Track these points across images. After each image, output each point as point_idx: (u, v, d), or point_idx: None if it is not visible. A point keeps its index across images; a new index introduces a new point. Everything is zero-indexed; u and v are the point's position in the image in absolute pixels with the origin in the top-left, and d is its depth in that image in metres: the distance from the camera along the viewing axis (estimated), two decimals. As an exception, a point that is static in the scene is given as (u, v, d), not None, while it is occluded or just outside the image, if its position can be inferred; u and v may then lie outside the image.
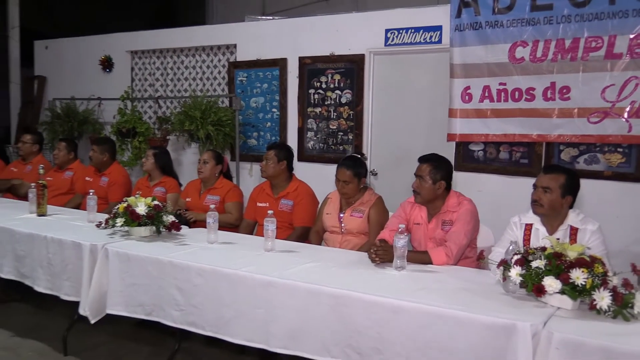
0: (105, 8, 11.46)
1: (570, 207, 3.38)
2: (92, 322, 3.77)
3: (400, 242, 3.25)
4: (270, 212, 3.89)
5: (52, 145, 7.06)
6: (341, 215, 4.28)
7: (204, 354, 4.15)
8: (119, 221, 4.02)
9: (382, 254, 3.35)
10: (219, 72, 6.94)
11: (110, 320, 3.84)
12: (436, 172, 3.68)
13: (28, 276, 4.22)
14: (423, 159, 3.78)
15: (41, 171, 5.09)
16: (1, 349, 4.26)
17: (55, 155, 6.24)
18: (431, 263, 3.44)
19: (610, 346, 2.24)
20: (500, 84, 4.87)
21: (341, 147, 5.97)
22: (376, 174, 5.81)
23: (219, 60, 6.94)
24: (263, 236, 3.79)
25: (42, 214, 4.79)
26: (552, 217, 3.39)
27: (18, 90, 8.90)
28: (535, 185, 3.41)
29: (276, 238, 3.81)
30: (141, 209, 3.99)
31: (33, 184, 4.94)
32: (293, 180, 4.78)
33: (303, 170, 5.44)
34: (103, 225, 4.18)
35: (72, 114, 7.58)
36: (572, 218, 3.36)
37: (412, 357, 2.68)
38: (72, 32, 8.37)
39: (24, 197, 5.46)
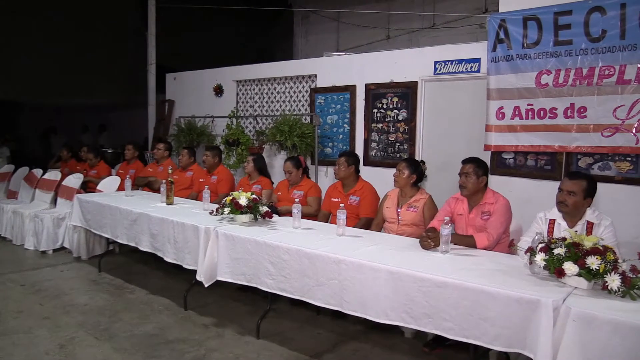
0: (217, 48, 11.79)
1: (588, 206, 3.26)
2: (206, 285, 3.90)
3: (445, 231, 3.21)
4: (341, 205, 3.92)
5: (178, 151, 7.27)
6: (399, 209, 4.24)
7: (289, 313, 4.21)
8: (226, 210, 4.13)
9: (431, 241, 3.33)
10: (303, 96, 6.99)
11: (218, 285, 3.96)
12: (479, 169, 3.68)
13: (160, 249, 4.40)
14: (467, 160, 3.77)
15: (170, 171, 5.30)
16: (140, 303, 4.46)
17: (180, 160, 6.46)
18: (475, 245, 3.42)
19: (619, 320, 2.19)
20: (528, 104, 4.72)
21: (398, 155, 5.90)
22: (426, 176, 5.73)
23: (303, 87, 6.99)
24: (336, 224, 3.82)
25: (170, 203, 4.96)
26: (573, 214, 3.25)
27: (154, 110, 9.21)
28: (560, 189, 3.28)
29: (346, 226, 3.82)
30: (243, 201, 4.08)
31: (164, 181, 5.12)
32: (359, 181, 4.78)
33: (367, 173, 5.41)
34: (214, 213, 4.30)
35: (192, 128, 7.83)
36: (589, 214, 3.23)
37: (455, 322, 2.65)
38: (193, 66, 8.60)
39: (157, 191, 5.70)
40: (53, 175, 6.89)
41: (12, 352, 3.46)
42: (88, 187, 6.79)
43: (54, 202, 6.66)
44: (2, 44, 10.49)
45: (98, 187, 6.31)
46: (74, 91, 12.00)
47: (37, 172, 7.18)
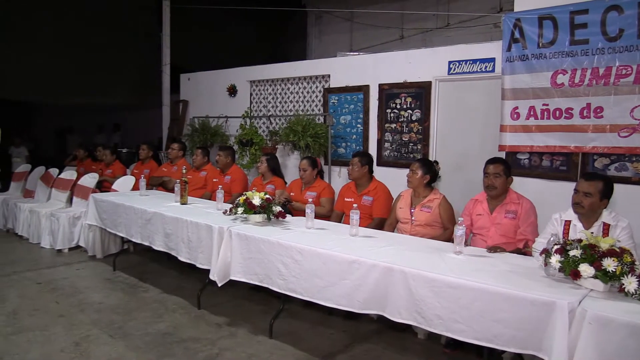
0: (231, 48, 11.85)
1: (605, 207, 3.22)
2: (219, 285, 3.90)
3: (459, 232, 3.20)
4: (354, 205, 3.92)
5: (192, 151, 7.32)
6: (412, 210, 4.23)
7: (301, 314, 4.21)
8: (240, 210, 4.14)
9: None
10: (316, 96, 7.00)
11: (231, 285, 3.97)
12: (507, 170, 3.80)
13: (173, 249, 4.42)
14: (494, 161, 3.85)
15: (184, 171, 5.33)
16: (154, 302, 4.49)
17: (193, 159, 6.51)
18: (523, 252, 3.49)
19: (636, 323, 2.16)
20: (544, 104, 4.67)
21: (412, 155, 5.88)
22: (440, 177, 5.70)
23: (316, 87, 6.99)
24: (349, 224, 3.81)
25: (184, 203, 4.99)
26: (588, 215, 3.22)
27: (168, 110, 9.28)
28: (576, 190, 3.24)
29: (359, 226, 3.81)
30: (256, 201, 4.08)
31: (178, 181, 5.15)
32: (373, 181, 4.77)
33: (381, 173, 5.40)
34: (228, 212, 4.32)
35: (206, 128, 7.87)
36: (605, 216, 3.20)
37: (467, 324, 2.63)
38: (207, 67, 8.65)
39: (171, 190, 5.75)
40: (69, 174, 6.98)
41: (28, 349, 3.51)
42: (103, 186, 6.86)
43: (69, 201, 6.74)
44: (17, 45, 10.62)
45: (113, 187, 6.37)
46: (88, 91, 12.10)
47: (54, 171, 7.27)
